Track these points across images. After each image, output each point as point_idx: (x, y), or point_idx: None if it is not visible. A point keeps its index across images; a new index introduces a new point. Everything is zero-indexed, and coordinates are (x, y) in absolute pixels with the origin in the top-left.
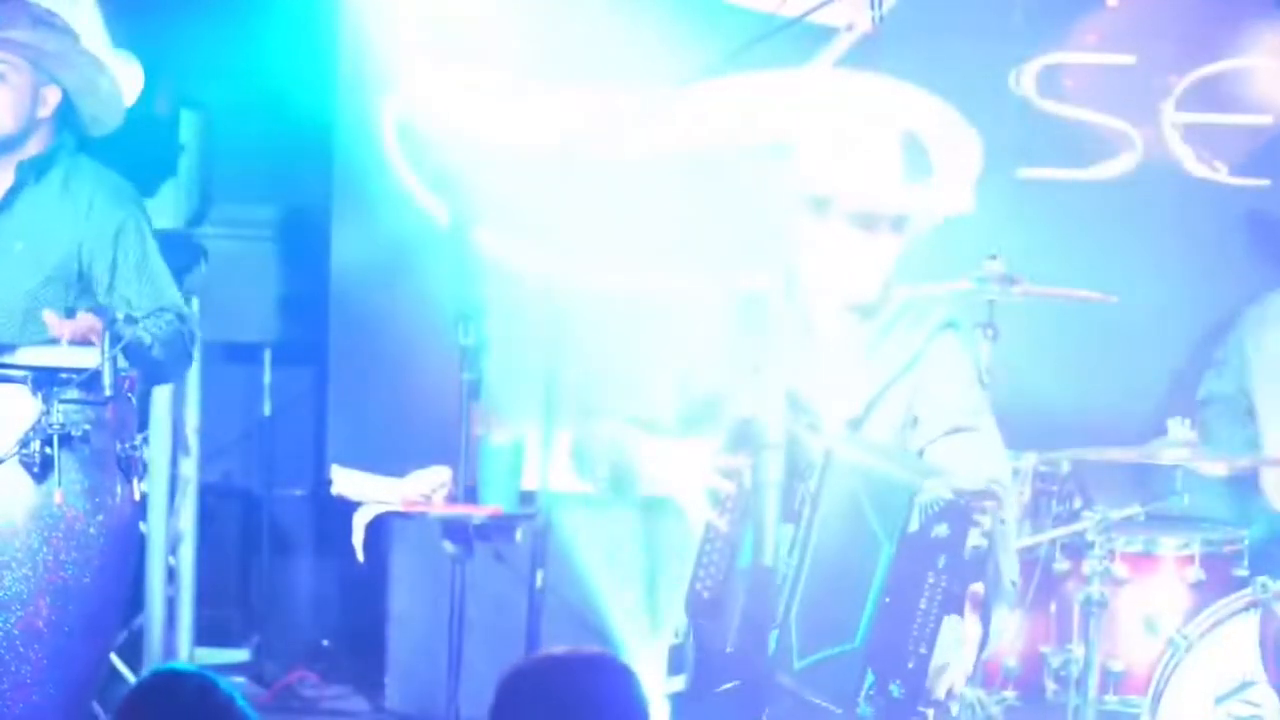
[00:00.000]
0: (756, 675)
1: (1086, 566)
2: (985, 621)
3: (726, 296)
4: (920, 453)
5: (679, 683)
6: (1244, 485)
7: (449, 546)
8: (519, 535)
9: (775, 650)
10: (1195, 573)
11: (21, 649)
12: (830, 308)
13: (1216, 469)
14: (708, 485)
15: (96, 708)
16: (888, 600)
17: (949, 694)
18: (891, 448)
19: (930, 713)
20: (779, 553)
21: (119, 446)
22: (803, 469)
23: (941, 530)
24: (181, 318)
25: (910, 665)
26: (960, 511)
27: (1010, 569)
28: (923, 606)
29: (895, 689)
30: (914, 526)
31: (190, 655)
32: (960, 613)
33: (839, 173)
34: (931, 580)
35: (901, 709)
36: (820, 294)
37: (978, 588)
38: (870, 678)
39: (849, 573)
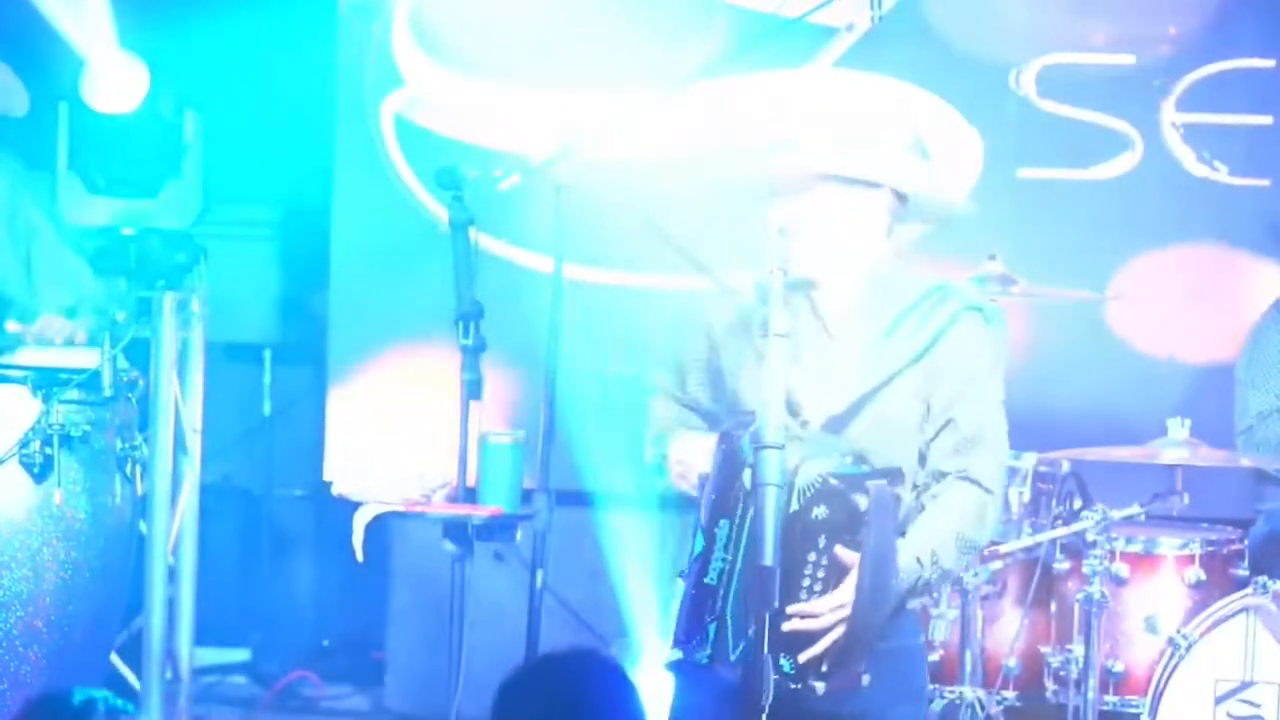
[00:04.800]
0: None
1: (1086, 566)
2: (858, 602)
3: (724, 294)
4: (929, 444)
5: (679, 653)
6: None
7: (449, 546)
8: (519, 535)
9: (714, 641)
10: (1195, 573)
11: (21, 649)
12: (827, 297)
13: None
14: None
15: None
16: (750, 598)
17: (831, 669)
18: (826, 440)
19: (820, 685)
20: (716, 549)
21: (119, 446)
22: (737, 464)
23: (821, 512)
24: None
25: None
26: (835, 493)
27: (922, 547)
28: (805, 584)
29: (785, 663)
30: (795, 507)
31: (190, 655)
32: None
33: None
34: (813, 559)
35: (792, 681)
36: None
37: (850, 558)
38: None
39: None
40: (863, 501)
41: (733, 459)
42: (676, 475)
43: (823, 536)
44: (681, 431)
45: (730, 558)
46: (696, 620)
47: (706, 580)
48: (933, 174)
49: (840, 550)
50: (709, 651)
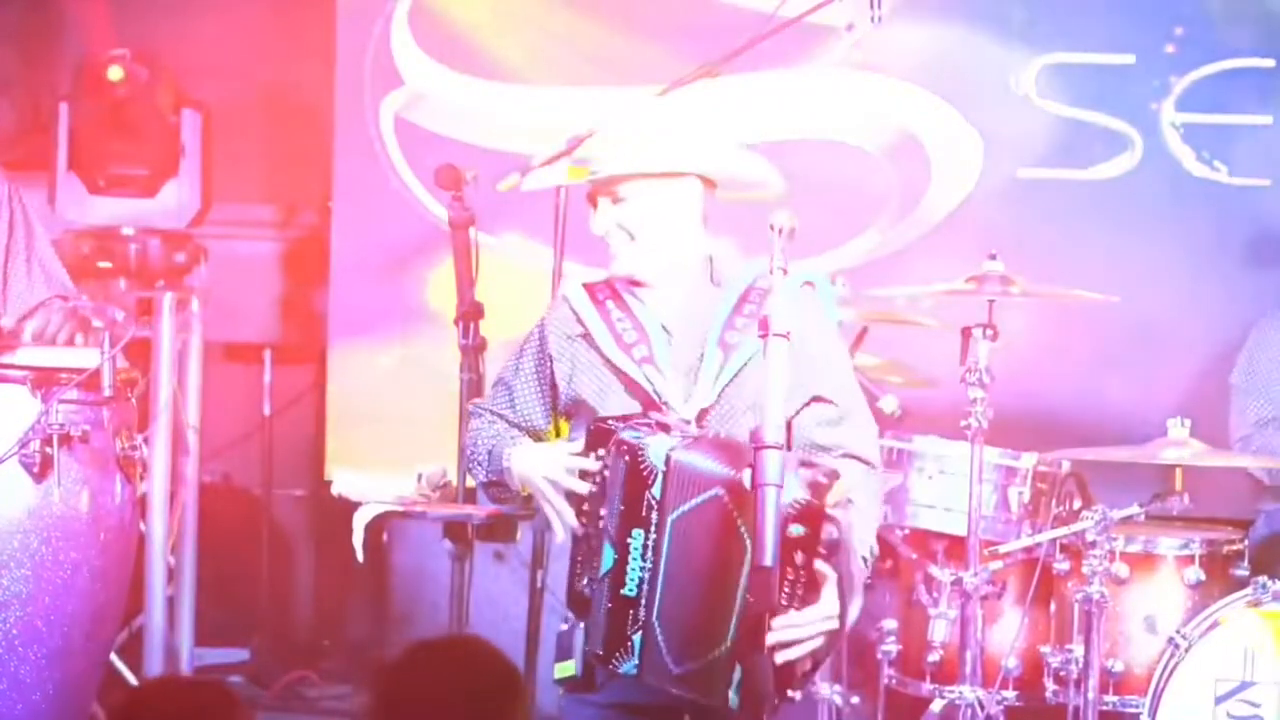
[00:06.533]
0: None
1: (1086, 566)
2: (841, 602)
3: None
4: (793, 419)
5: (570, 667)
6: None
7: (449, 546)
8: (519, 535)
9: (640, 652)
10: (1195, 573)
11: (21, 649)
12: (660, 297)
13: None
14: (562, 484)
15: (96, 708)
16: (751, 599)
17: (808, 679)
18: (737, 443)
19: (796, 694)
20: (631, 559)
21: (119, 446)
22: (644, 474)
23: (797, 530)
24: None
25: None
26: (815, 511)
27: (864, 545)
28: (783, 602)
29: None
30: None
31: (190, 655)
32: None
33: None
34: (790, 577)
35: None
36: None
37: (829, 571)
38: (739, 671)
39: (718, 576)
40: (841, 515)
41: (638, 468)
42: (517, 482)
43: (799, 553)
44: (520, 443)
45: (650, 565)
46: (618, 633)
47: (624, 592)
48: (733, 154)
49: (818, 564)
50: (636, 662)
